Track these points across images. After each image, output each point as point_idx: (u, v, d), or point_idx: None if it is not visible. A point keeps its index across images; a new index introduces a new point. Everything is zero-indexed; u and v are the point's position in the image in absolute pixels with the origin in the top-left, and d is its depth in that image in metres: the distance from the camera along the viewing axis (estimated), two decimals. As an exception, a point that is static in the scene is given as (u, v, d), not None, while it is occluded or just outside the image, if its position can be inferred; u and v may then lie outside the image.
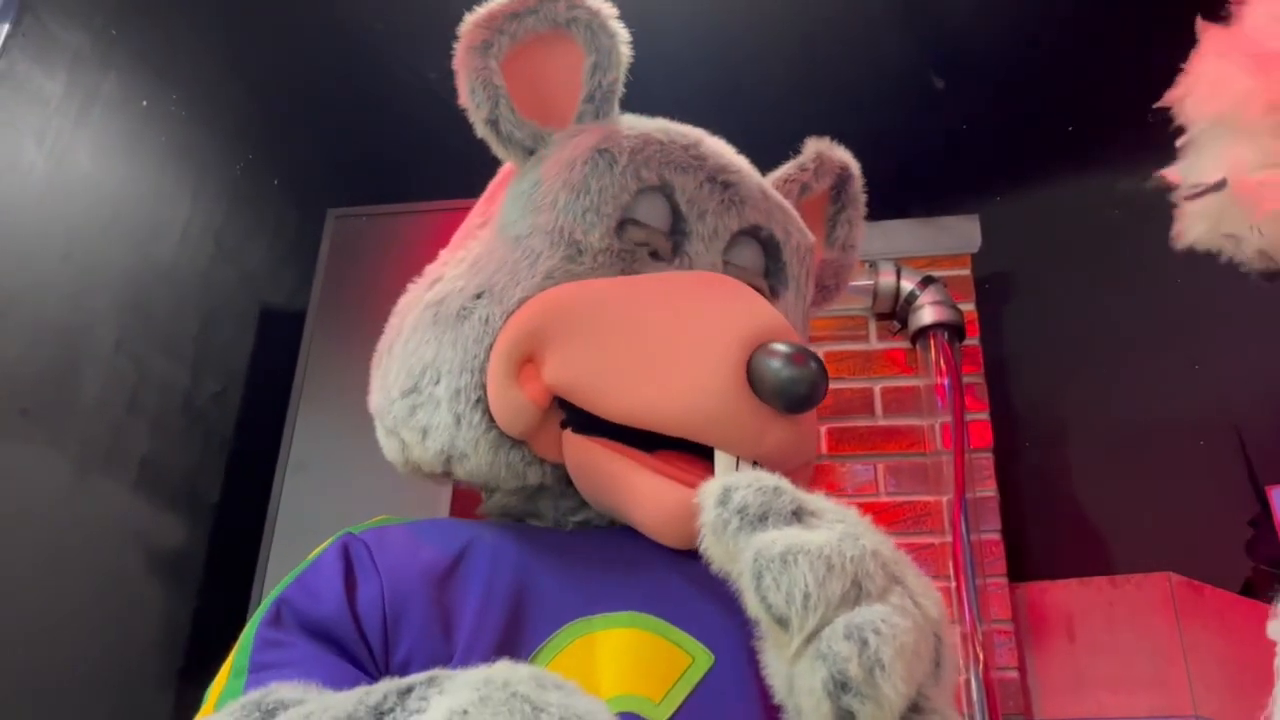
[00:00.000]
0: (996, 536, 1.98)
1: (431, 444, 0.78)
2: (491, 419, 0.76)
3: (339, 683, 0.62)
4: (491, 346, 0.76)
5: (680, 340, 0.74)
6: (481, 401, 0.76)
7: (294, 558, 1.74)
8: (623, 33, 0.86)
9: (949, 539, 1.93)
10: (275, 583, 1.65)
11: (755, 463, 0.75)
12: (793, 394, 0.71)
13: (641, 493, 0.74)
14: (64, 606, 1.53)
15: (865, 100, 2.32)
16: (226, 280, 1.98)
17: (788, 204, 0.93)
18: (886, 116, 2.34)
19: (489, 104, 0.82)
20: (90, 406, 1.61)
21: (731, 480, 0.61)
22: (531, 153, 0.85)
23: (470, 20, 0.82)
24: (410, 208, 2.03)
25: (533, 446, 0.78)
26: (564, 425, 0.78)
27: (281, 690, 0.58)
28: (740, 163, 0.89)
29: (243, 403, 1.97)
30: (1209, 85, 0.86)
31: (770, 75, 2.27)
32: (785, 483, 0.61)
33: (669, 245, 0.83)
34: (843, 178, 1.04)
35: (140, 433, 1.71)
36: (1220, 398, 2.20)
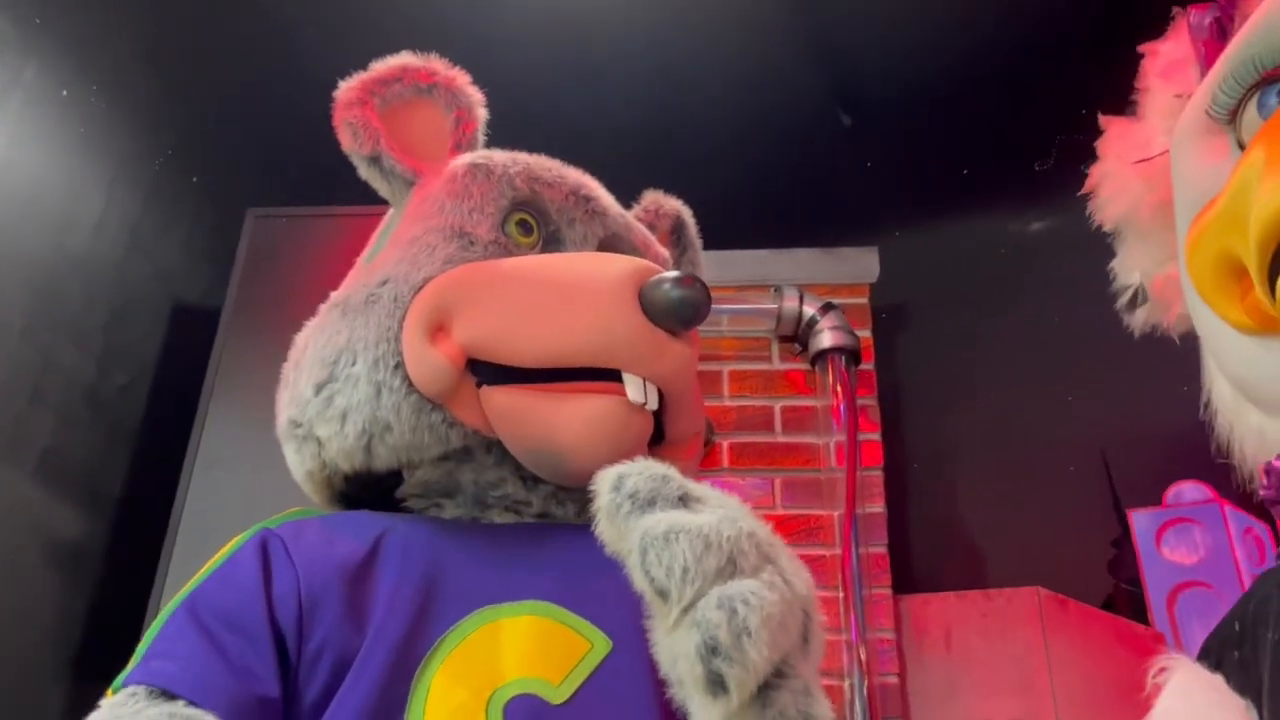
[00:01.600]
0: (883, 550, 2.07)
1: (351, 426, 0.82)
2: (410, 384, 0.82)
3: (213, 680, 0.67)
4: (403, 319, 0.83)
5: (574, 286, 0.83)
6: (400, 367, 0.82)
7: (199, 553, 1.74)
8: (478, 94, 0.99)
9: (839, 551, 2.02)
10: (179, 578, 1.66)
11: (658, 385, 0.84)
12: (684, 310, 0.81)
13: (561, 416, 0.81)
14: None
15: (777, 135, 2.44)
16: (140, 274, 1.97)
17: (642, 226, 1.04)
18: (797, 151, 2.47)
19: (370, 143, 0.92)
20: (-9, 393, 1.60)
21: (624, 469, 0.65)
22: (410, 185, 0.95)
23: (345, 86, 0.94)
24: (330, 211, 2.05)
25: (451, 409, 0.83)
26: (479, 385, 0.84)
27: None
28: (596, 185, 1.00)
29: (150, 397, 1.97)
30: (1111, 187, 0.93)
31: (691, 112, 2.37)
32: (674, 471, 0.66)
33: (545, 249, 0.93)
34: (679, 223, 1.15)
35: (43, 422, 1.70)
36: (1089, 427, 2.35)
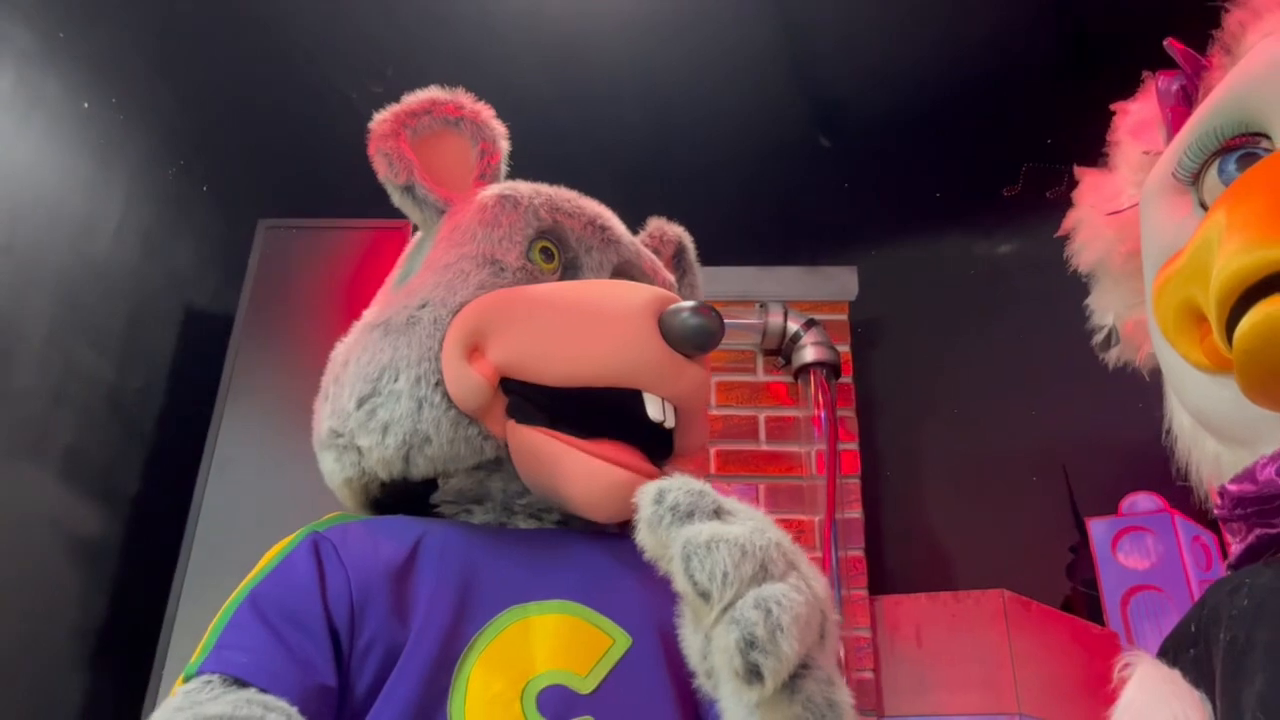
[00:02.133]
0: (860, 554, 2.17)
1: (392, 438, 0.89)
2: (449, 399, 0.89)
3: (281, 670, 0.73)
4: (443, 339, 0.90)
5: (600, 313, 0.90)
6: (440, 384, 0.89)
7: (215, 550, 1.83)
8: (501, 127, 1.06)
9: (820, 554, 2.12)
10: (196, 574, 1.73)
11: (674, 404, 0.92)
12: (700, 338, 0.89)
13: (577, 473, 0.88)
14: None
15: (762, 159, 2.52)
16: (154, 280, 2.02)
17: (650, 253, 1.12)
18: (781, 175, 2.55)
19: (405, 174, 0.99)
20: (20, 395, 1.65)
21: (665, 484, 0.68)
22: (441, 213, 1.02)
23: (378, 118, 1.00)
24: (340, 223, 2.11)
25: (485, 423, 0.90)
26: (508, 414, 0.91)
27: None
28: (610, 215, 1.08)
29: (165, 399, 2.01)
30: (1085, 234, 0.99)
31: (681, 137, 2.47)
32: (708, 486, 0.70)
33: (566, 274, 1.00)
34: (680, 249, 1.23)
35: (66, 423, 1.75)
36: (1051, 441, 2.46)
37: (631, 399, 0.90)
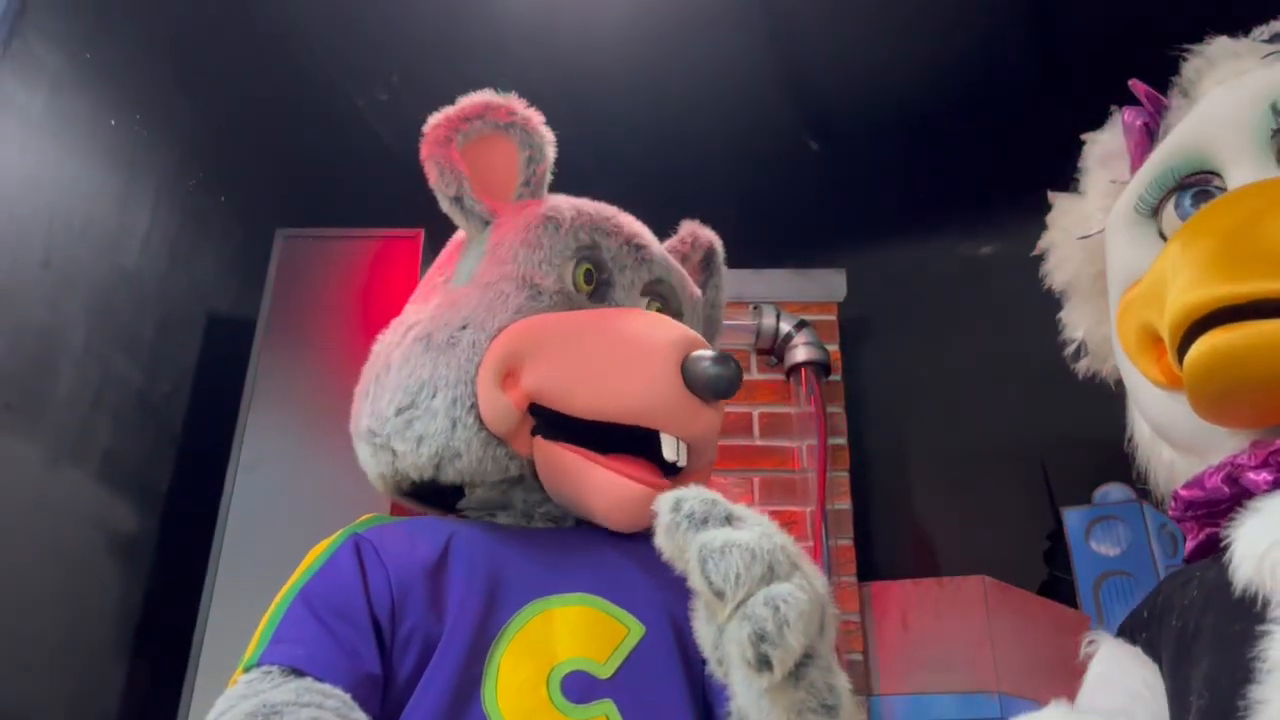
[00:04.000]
0: (850, 543, 2.25)
1: (426, 449, 0.95)
2: (481, 421, 0.93)
3: (333, 660, 0.79)
4: (480, 364, 0.95)
5: (628, 352, 0.95)
6: (474, 407, 0.93)
7: (245, 547, 1.91)
8: (549, 134, 1.07)
9: (811, 544, 2.21)
10: (228, 570, 1.83)
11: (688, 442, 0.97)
12: (719, 386, 0.93)
13: (597, 485, 0.94)
14: (32, 585, 1.65)
15: (754, 166, 2.61)
16: (179, 289, 2.10)
17: (679, 266, 1.17)
18: (774, 181, 2.63)
19: (455, 185, 1.03)
20: (62, 402, 1.73)
21: (681, 493, 0.72)
22: (486, 224, 1.06)
23: (432, 122, 1.03)
24: (357, 233, 2.18)
25: (511, 444, 0.96)
26: (534, 433, 0.96)
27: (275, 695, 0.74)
28: (646, 232, 1.12)
29: (191, 403, 2.09)
30: (1058, 255, 1.05)
31: (677, 144, 2.54)
32: (720, 495, 0.74)
33: (601, 292, 1.05)
34: (710, 253, 1.28)
35: (104, 427, 1.83)
36: (1029, 434, 2.54)
37: (649, 435, 0.96)
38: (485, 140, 1.05)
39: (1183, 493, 0.81)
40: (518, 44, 2.30)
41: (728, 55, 2.38)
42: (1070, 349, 1.07)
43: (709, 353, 0.95)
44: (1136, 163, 0.95)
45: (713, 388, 0.93)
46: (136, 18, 1.98)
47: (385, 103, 2.41)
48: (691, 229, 1.26)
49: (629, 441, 0.95)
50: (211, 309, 2.22)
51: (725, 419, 2.37)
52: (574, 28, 2.29)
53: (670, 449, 0.96)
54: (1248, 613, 0.69)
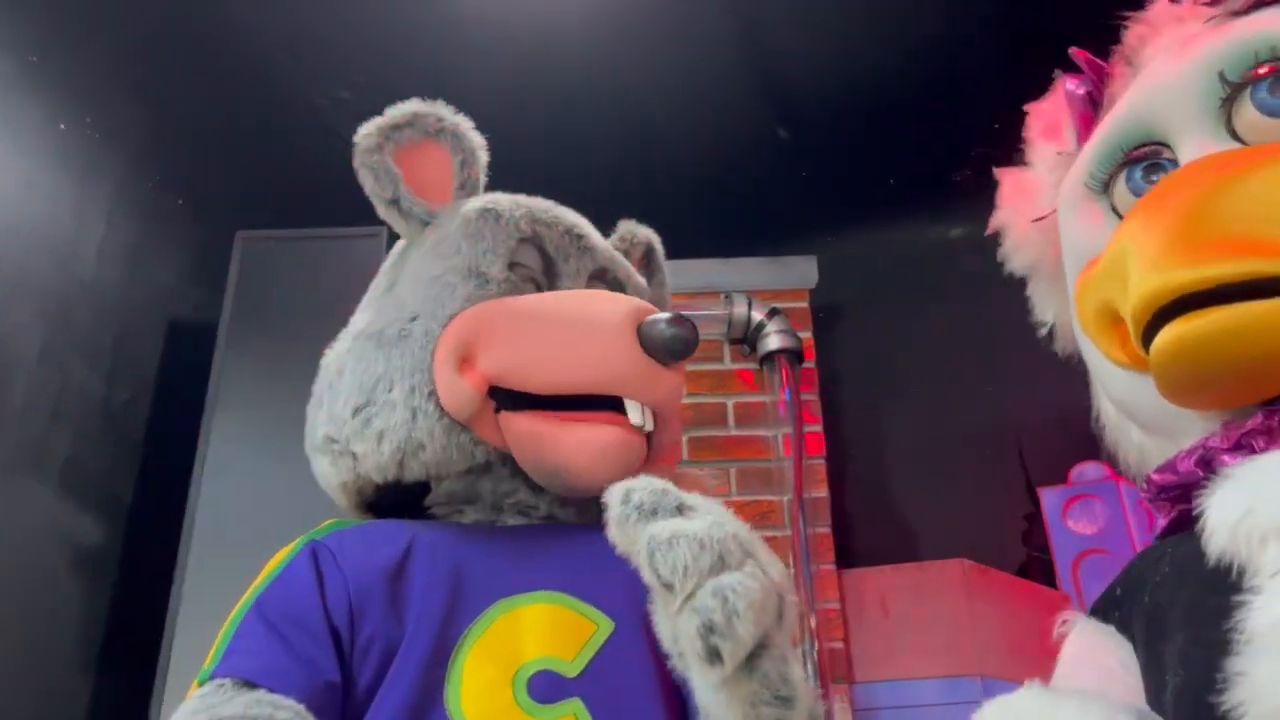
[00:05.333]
0: (828, 531, 2.26)
1: (388, 445, 0.93)
2: (442, 409, 0.93)
3: (288, 671, 0.78)
4: (435, 351, 0.94)
5: (584, 324, 0.94)
6: (433, 394, 0.92)
7: (211, 554, 1.87)
8: (480, 139, 1.08)
9: (789, 533, 2.22)
10: (196, 579, 1.79)
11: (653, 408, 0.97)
12: (675, 346, 0.93)
13: (575, 441, 0.92)
14: (-8, 600, 1.63)
15: (723, 153, 2.59)
16: (138, 295, 2.07)
17: (623, 259, 1.16)
18: (744, 168, 2.62)
19: (391, 187, 1.02)
20: (18, 412, 1.70)
21: (631, 484, 0.72)
22: (425, 224, 1.06)
23: (362, 131, 1.03)
24: (319, 233, 2.16)
25: (476, 430, 0.95)
26: (497, 410, 0.95)
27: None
28: (586, 223, 1.12)
29: (153, 410, 2.07)
30: (1014, 239, 1.02)
31: (645, 134, 2.53)
32: (671, 485, 0.73)
33: (545, 281, 1.04)
34: (650, 250, 1.27)
35: (64, 438, 1.80)
36: (1004, 415, 2.56)
37: (613, 404, 0.95)
38: (417, 147, 1.05)
39: (1155, 477, 0.80)
40: (481, 38, 2.28)
41: (694, 44, 2.37)
42: (1043, 331, 1.05)
43: (665, 315, 0.95)
44: (1082, 133, 0.93)
45: (670, 348, 0.94)
46: (85, 18, 1.95)
47: (347, 101, 2.38)
48: (629, 227, 1.26)
49: (594, 409, 0.96)
50: (172, 314, 2.19)
51: (699, 410, 2.39)
52: (537, 20, 2.28)
53: (636, 414, 0.96)
54: (1221, 585, 0.67)
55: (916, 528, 2.52)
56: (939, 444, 2.57)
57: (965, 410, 2.59)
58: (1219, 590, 0.67)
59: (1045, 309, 1.03)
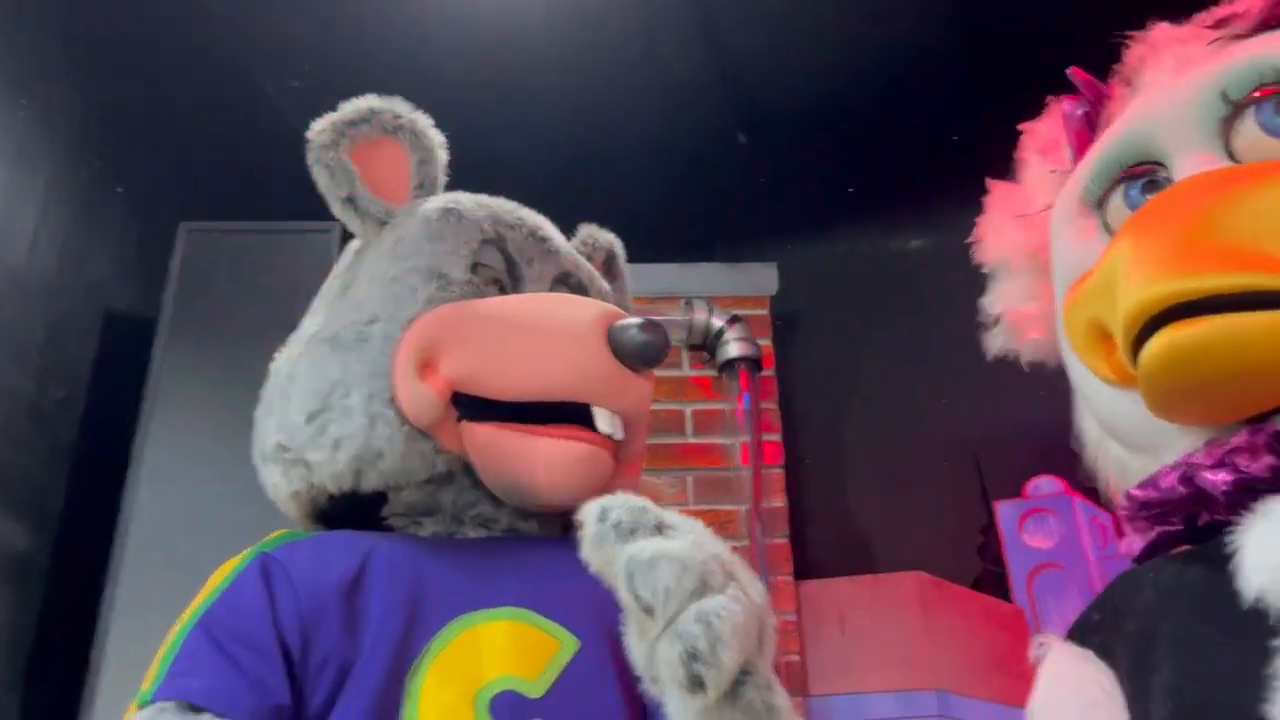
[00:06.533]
0: (785, 541, 2.25)
1: (344, 454, 0.89)
2: (402, 415, 0.89)
3: (235, 693, 0.74)
4: (395, 355, 0.90)
5: (551, 329, 0.92)
6: (393, 400, 0.88)
7: (145, 563, 1.80)
8: (438, 136, 1.05)
9: (747, 543, 2.20)
10: (129, 592, 1.71)
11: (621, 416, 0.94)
12: (647, 353, 0.91)
13: (539, 455, 0.89)
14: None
15: (683, 157, 2.58)
16: (73, 288, 1.98)
17: (586, 263, 1.13)
18: (704, 173, 2.61)
19: (347, 185, 0.98)
20: (-62, 412, 1.61)
21: (607, 502, 0.69)
22: (383, 224, 1.02)
23: (316, 127, 0.98)
24: (266, 226, 2.09)
25: (437, 438, 0.91)
26: (459, 419, 0.92)
27: None
28: (549, 225, 1.09)
29: (86, 411, 1.98)
30: (992, 235, 1.02)
31: (605, 137, 2.50)
32: (649, 503, 0.70)
33: (509, 283, 1.01)
34: (611, 255, 1.24)
35: (-13, 439, 1.72)
36: (961, 428, 2.56)
37: (580, 412, 0.92)
38: (374, 144, 1.01)
39: (1136, 493, 0.80)
40: (440, 35, 2.23)
41: (655, 48, 2.36)
42: (989, 325, 1.04)
43: (635, 320, 0.92)
44: (1078, 153, 0.93)
45: (642, 354, 0.91)
46: (17, -6, 1.86)
47: (297, 89, 2.32)
48: (590, 231, 1.23)
49: (561, 418, 0.92)
50: (108, 309, 2.10)
51: (657, 417, 2.35)
52: (497, 17, 2.24)
53: (604, 422, 0.93)
54: (1212, 615, 0.67)
55: (874, 539, 2.53)
56: (897, 455, 2.58)
57: (923, 421, 2.61)
58: (1209, 620, 0.67)
59: (998, 302, 1.02)
